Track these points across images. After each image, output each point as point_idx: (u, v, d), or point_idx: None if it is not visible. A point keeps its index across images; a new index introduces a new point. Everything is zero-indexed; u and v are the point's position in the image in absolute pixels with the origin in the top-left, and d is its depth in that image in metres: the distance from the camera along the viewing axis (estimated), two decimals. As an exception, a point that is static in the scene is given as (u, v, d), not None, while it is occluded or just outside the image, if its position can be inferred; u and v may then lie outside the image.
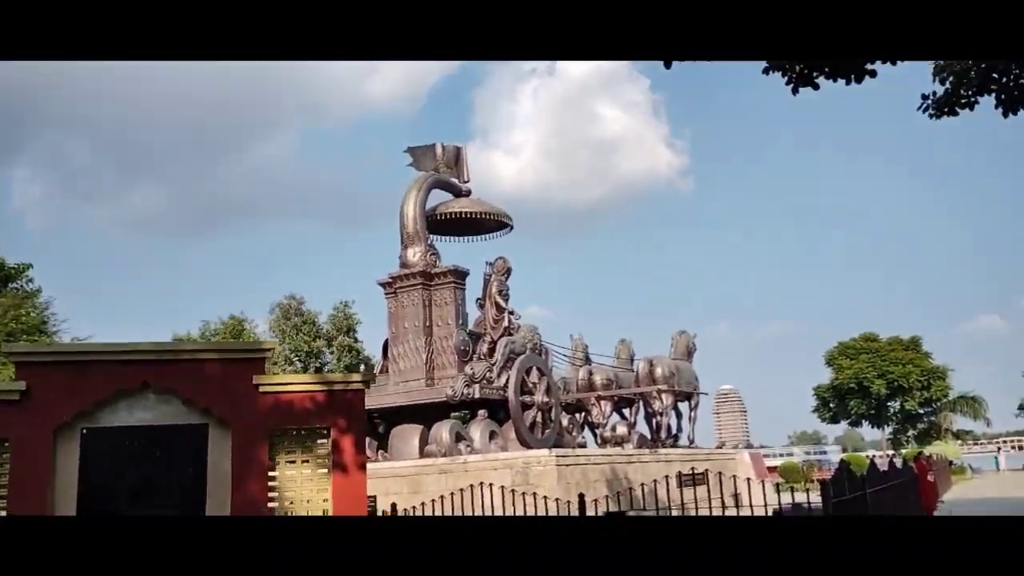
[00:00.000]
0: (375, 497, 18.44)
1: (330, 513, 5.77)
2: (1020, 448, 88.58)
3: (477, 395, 19.77)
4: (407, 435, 20.48)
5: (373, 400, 21.49)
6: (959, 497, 26.42)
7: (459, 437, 19.24)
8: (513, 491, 13.36)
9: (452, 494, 11.61)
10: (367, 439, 22.01)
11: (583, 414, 28.21)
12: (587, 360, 28.97)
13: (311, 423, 5.86)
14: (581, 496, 10.50)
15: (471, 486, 12.60)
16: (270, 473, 5.77)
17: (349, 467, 5.79)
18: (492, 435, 19.93)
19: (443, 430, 18.99)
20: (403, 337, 21.47)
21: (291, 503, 5.76)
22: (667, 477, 13.19)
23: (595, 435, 26.93)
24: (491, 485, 13.13)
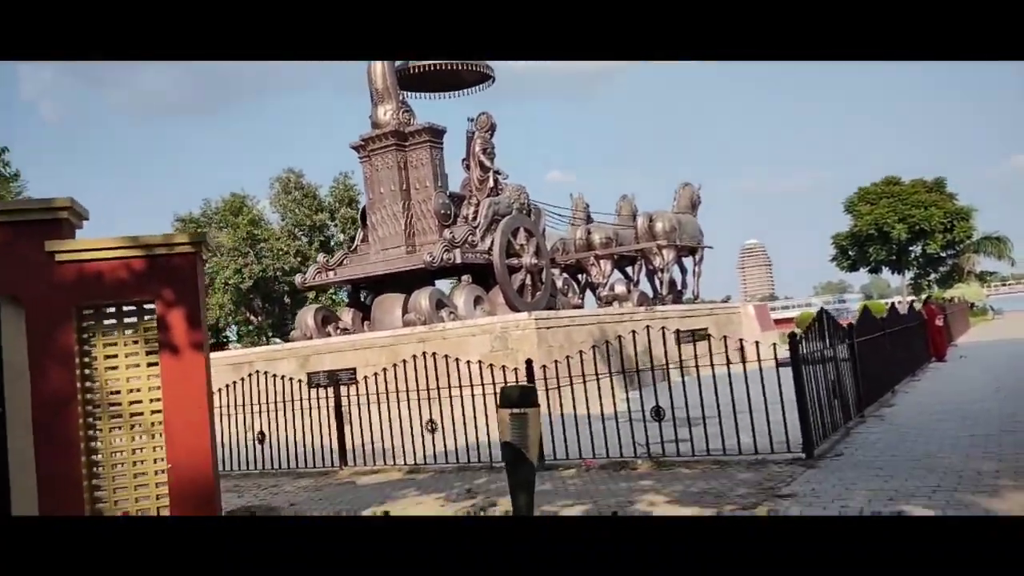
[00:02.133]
0: (355, 369, 17.89)
1: (159, 404, 4.75)
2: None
3: (459, 260, 18.68)
4: (389, 305, 19.62)
5: (355, 270, 20.57)
6: (974, 340, 25.47)
7: (440, 304, 18.31)
8: (491, 364, 12.47)
9: (424, 361, 10.64)
10: (351, 309, 21.45)
11: (584, 275, 27.25)
12: (588, 219, 27.68)
13: (128, 296, 4.74)
14: (528, 362, 9.49)
15: (445, 356, 11.65)
16: (84, 360, 4.70)
17: (182, 349, 4.72)
18: (477, 301, 18.97)
19: (422, 298, 18.05)
20: (380, 203, 20.21)
21: (113, 393, 4.71)
22: (663, 330, 12.10)
23: (596, 296, 26.05)
24: (468, 362, 12.20)
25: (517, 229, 20.34)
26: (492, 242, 19.62)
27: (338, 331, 19.76)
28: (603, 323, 18.11)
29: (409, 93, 21.64)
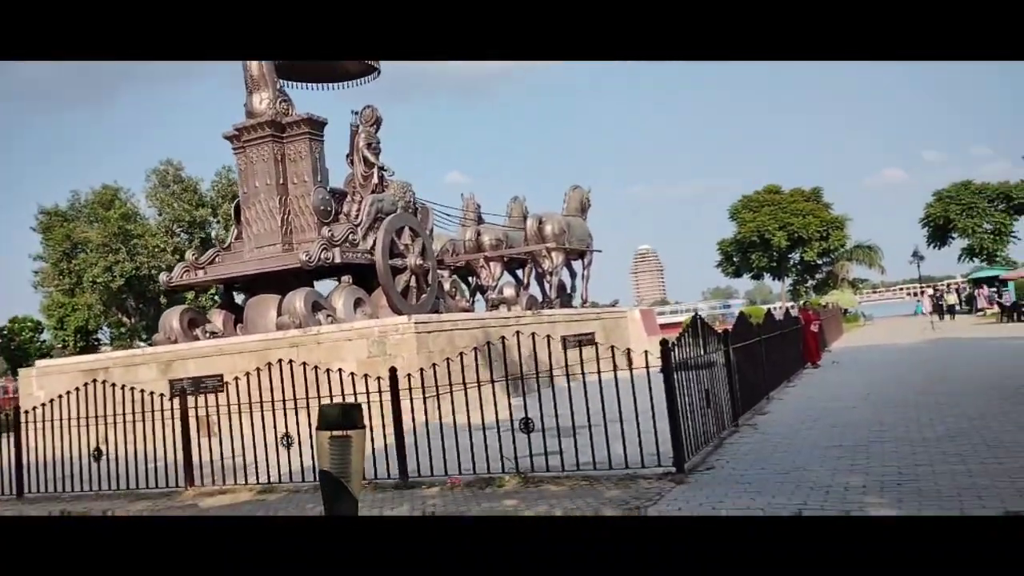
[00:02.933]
0: (221, 376, 16.73)
1: None
2: (913, 295, 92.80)
3: (338, 259, 17.79)
4: (263, 307, 18.50)
5: (227, 268, 19.30)
6: (847, 345, 26.47)
7: (317, 306, 17.37)
8: (366, 373, 11.67)
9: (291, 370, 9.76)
10: (222, 311, 20.16)
11: (474, 278, 26.75)
12: (480, 220, 27.20)
13: None
14: (392, 371, 8.84)
15: (315, 367, 10.80)
16: None
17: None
18: (358, 303, 18.10)
19: (297, 299, 17.06)
20: (255, 198, 19.05)
21: None
22: (548, 337, 11.61)
23: (485, 299, 25.59)
24: (340, 370, 11.34)
25: (402, 228, 19.61)
26: (375, 241, 18.82)
27: (207, 335, 18.49)
28: (488, 327, 17.61)
29: (288, 83, 20.58)
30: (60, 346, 51.32)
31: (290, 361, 10.06)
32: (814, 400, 12.02)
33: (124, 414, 10.54)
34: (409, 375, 8.92)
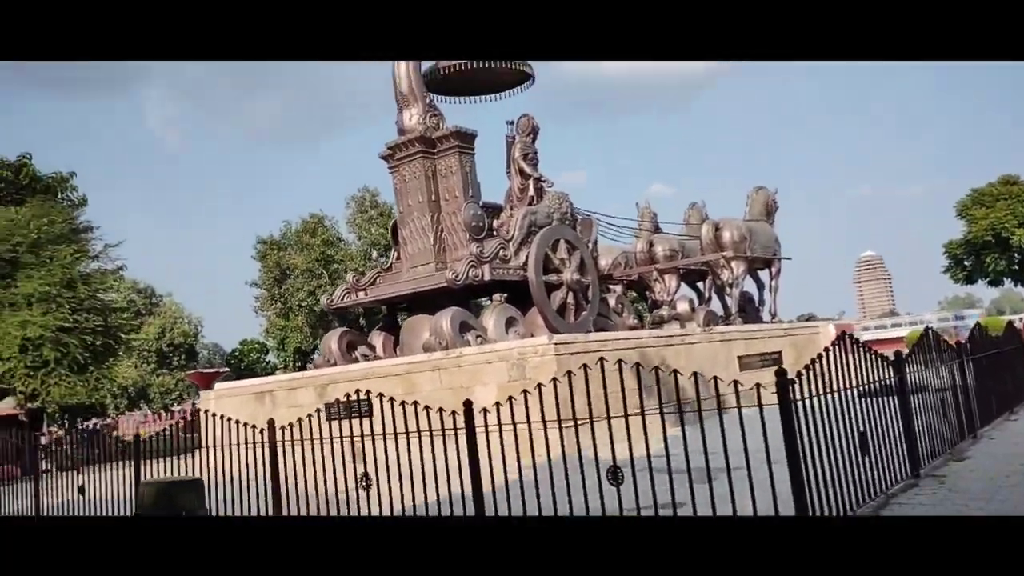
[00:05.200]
0: (369, 401, 16.39)
1: None
2: None
3: (487, 276, 16.99)
4: (418, 327, 18.11)
5: (386, 289, 19.16)
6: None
7: (465, 327, 16.61)
8: (510, 397, 10.52)
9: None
10: (383, 333, 20.04)
11: (650, 293, 25.03)
12: (656, 230, 25.46)
13: None
14: (467, 404, 7.56)
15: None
16: None
17: None
18: (510, 323, 17.14)
19: (444, 320, 16.41)
20: (409, 216, 18.80)
21: None
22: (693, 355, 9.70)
23: (651, 315, 23.78)
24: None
25: (557, 241, 18.49)
26: (527, 256, 17.85)
27: (367, 357, 18.39)
28: (645, 347, 15.97)
29: (440, 97, 20.24)
30: (282, 366, 55.49)
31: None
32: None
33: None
34: (471, 409, 7.51)
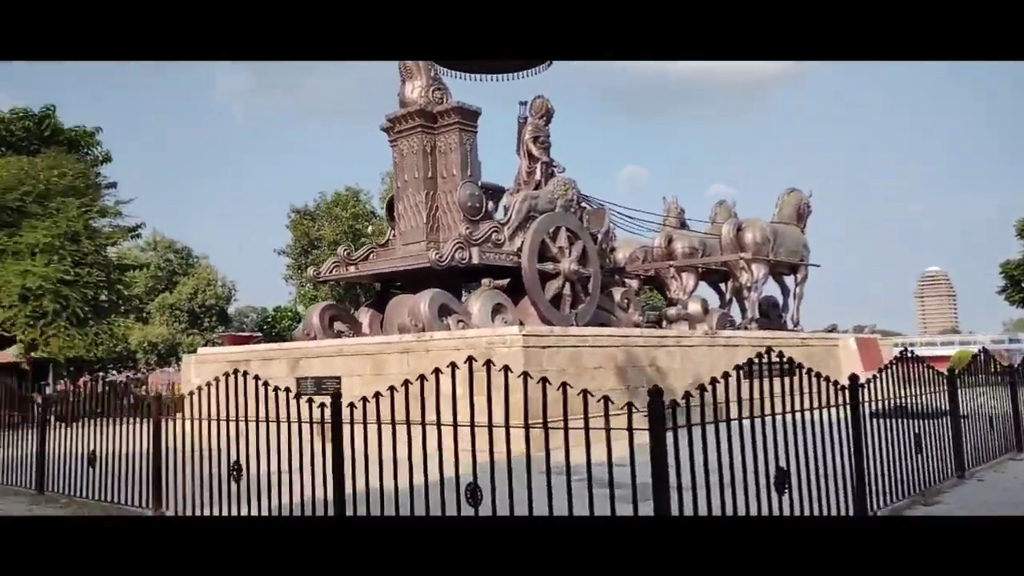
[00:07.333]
0: (339, 378, 15.63)
1: None
2: None
3: (476, 260, 16.06)
4: (401, 307, 17.28)
5: (374, 265, 18.38)
6: None
7: (446, 310, 15.72)
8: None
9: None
10: (370, 310, 19.28)
11: (668, 290, 23.81)
12: (682, 226, 24.20)
13: None
14: (335, 396, 6.57)
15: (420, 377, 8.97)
16: None
17: None
18: (497, 309, 16.18)
19: (421, 301, 15.53)
20: (404, 192, 17.94)
21: None
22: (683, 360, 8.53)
23: (661, 314, 22.59)
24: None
25: (558, 229, 17.45)
26: (523, 242, 16.87)
27: (344, 334, 17.64)
28: (632, 346, 14.87)
29: (455, 74, 19.24)
30: (312, 335, 55.41)
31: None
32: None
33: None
34: (339, 403, 6.52)
